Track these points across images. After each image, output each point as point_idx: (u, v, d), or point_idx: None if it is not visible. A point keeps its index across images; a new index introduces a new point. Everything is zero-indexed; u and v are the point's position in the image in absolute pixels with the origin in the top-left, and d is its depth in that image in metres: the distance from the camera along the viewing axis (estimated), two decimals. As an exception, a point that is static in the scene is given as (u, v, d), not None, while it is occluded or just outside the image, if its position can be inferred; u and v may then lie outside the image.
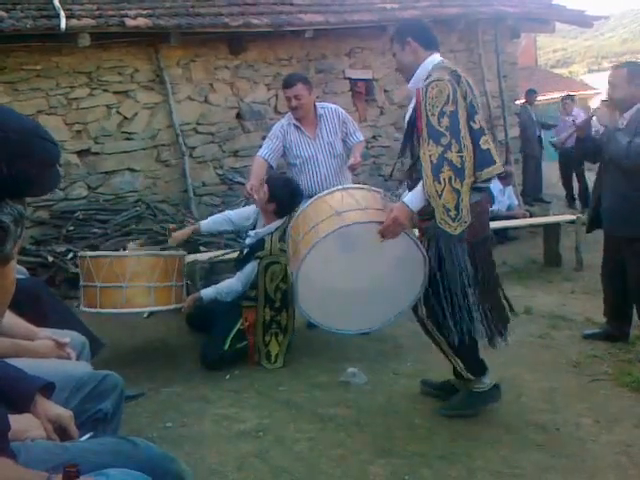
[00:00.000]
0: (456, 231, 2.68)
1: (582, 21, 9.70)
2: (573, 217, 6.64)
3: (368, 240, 2.76)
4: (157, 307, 3.65)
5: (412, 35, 2.92)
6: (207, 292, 3.91)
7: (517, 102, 9.95)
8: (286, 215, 3.94)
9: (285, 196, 3.95)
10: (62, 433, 1.77)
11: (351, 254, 2.85)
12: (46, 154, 0.98)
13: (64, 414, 1.78)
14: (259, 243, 3.91)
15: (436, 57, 2.91)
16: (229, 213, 4.33)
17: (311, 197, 3.09)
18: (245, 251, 4.08)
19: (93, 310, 3.56)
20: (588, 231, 4.21)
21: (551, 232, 6.50)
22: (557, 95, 18.62)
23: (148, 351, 4.24)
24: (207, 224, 4.25)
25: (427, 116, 2.66)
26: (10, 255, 1.00)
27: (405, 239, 2.76)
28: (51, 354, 2.25)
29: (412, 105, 2.89)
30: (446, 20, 7.99)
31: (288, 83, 4.29)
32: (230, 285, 3.91)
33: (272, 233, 3.92)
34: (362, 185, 3.27)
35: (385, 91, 8.13)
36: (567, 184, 10.11)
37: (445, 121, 2.63)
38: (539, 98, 12.40)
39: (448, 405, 3.13)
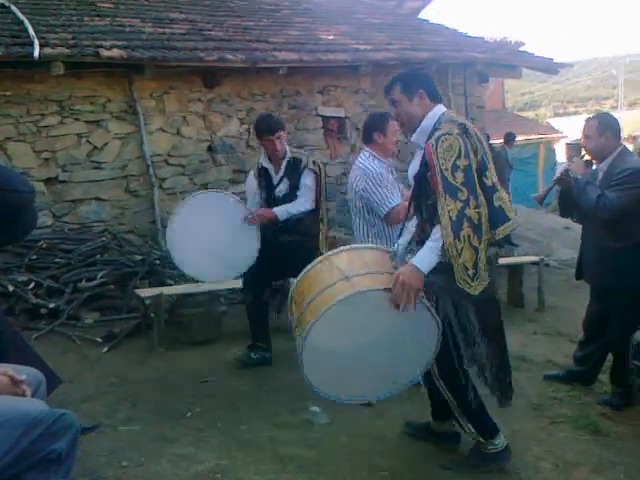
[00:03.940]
0: (476, 291, 2.54)
1: (549, 68, 10.01)
2: (536, 259, 6.76)
3: (378, 307, 2.54)
4: None
5: (423, 86, 2.78)
6: (280, 210, 3.99)
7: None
8: None
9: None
10: None
11: (360, 320, 2.59)
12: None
13: None
14: (295, 162, 4.08)
15: (440, 108, 2.78)
16: (250, 205, 4.24)
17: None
18: (285, 185, 4.12)
19: None
20: (577, 278, 4.15)
21: (514, 273, 6.60)
22: (523, 138, 19.16)
23: (107, 386, 4.12)
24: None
25: (441, 171, 2.52)
26: None
27: (418, 305, 2.54)
28: (5, 390, 2.19)
29: (419, 160, 2.75)
30: (417, 63, 8.18)
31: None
32: (299, 205, 4.01)
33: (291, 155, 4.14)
34: (371, 245, 3.07)
35: (357, 129, 8.24)
36: None
37: (460, 176, 2.51)
38: (500, 141, 12.66)
39: (459, 467, 2.95)
